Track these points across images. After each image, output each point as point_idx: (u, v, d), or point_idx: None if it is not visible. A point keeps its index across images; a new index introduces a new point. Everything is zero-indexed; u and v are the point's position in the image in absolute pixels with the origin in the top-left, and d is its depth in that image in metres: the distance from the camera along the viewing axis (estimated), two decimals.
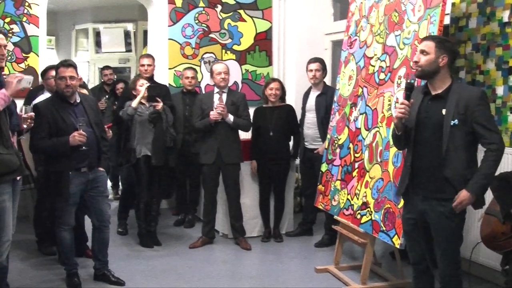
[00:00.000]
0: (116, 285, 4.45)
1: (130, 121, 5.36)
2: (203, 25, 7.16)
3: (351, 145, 4.86)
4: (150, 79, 5.79)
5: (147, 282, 4.56)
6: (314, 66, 5.67)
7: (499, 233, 3.53)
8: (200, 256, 5.27)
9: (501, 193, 3.52)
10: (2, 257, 3.62)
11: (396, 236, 4.05)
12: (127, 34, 10.62)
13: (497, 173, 3.81)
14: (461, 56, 4.80)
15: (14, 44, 6.29)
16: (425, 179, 3.36)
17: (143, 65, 5.94)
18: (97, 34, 10.79)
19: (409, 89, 3.41)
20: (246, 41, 7.41)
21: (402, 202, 3.85)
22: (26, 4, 6.36)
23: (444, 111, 3.26)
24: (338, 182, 4.97)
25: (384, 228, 4.21)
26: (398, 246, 4.05)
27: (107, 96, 7.18)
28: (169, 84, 6.95)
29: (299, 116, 5.92)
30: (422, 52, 3.35)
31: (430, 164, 3.33)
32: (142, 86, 5.35)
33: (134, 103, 5.28)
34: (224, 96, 5.52)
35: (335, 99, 5.32)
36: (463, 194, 3.19)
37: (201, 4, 7.14)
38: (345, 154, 4.92)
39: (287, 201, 6.00)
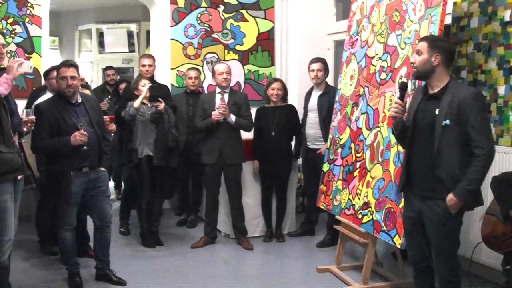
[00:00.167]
0: (118, 285, 4.46)
1: (132, 122, 5.37)
2: (205, 25, 7.17)
3: (352, 145, 4.85)
4: (151, 79, 5.80)
5: (149, 282, 4.56)
6: (316, 66, 5.67)
7: (499, 233, 3.52)
8: (202, 256, 5.28)
9: (502, 194, 3.51)
10: (4, 257, 3.62)
11: (397, 236, 4.05)
12: (130, 35, 10.63)
13: (498, 173, 3.84)
14: (462, 55, 4.80)
15: (17, 44, 6.31)
16: (420, 178, 3.38)
17: (144, 66, 5.95)
18: (100, 35, 10.81)
19: (403, 89, 3.45)
20: (249, 41, 7.41)
21: (403, 202, 3.86)
22: (29, 4, 6.37)
23: (437, 111, 3.27)
24: (339, 182, 4.97)
25: (385, 228, 4.20)
26: (399, 246, 4.04)
27: (109, 97, 7.19)
28: (172, 84, 6.97)
29: (301, 116, 5.92)
30: (417, 53, 3.38)
31: (424, 164, 3.35)
32: (144, 87, 5.37)
33: (136, 104, 5.30)
34: (226, 96, 5.53)
35: (336, 99, 5.32)
36: (450, 198, 3.20)
37: (203, 4, 7.15)
38: (347, 154, 4.92)
39: (289, 201, 6.00)
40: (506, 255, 3.59)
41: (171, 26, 7.04)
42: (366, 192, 4.53)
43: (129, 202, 6.06)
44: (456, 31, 4.87)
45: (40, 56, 6.48)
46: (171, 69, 7.05)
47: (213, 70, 5.64)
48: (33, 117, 3.97)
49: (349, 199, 4.77)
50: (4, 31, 6.21)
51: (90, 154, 4.26)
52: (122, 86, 7.02)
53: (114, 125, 4.97)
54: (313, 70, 5.68)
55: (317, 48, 7.19)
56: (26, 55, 6.32)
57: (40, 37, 6.49)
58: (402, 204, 3.93)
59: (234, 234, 5.75)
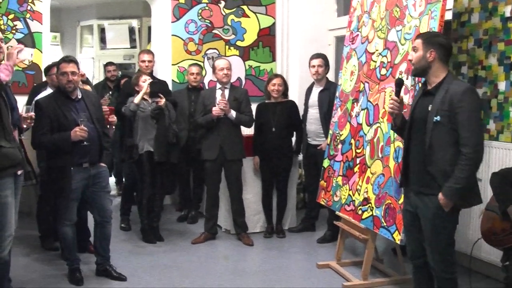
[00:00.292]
0: (118, 280, 4.47)
1: (132, 117, 5.37)
2: (206, 21, 7.16)
3: (352, 141, 4.85)
4: (150, 75, 5.81)
5: (149, 278, 4.57)
6: (316, 62, 5.67)
7: (499, 229, 3.52)
8: (203, 252, 5.29)
9: (500, 190, 3.51)
10: (4, 252, 3.64)
11: (396, 231, 4.05)
12: (131, 31, 10.62)
13: (498, 169, 3.83)
14: (463, 51, 4.79)
15: (18, 40, 6.28)
16: (416, 173, 3.40)
17: (143, 61, 5.97)
18: (102, 31, 10.80)
19: (399, 85, 3.48)
20: (250, 37, 7.40)
21: (402, 198, 3.87)
22: (30, 0, 6.36)
23: (430, 107, 3.28)
24: (339, 178, 4.97)
25: (385, 224, 4.20)
26: (398, 242, 4.05)
27: (110, 93, 7.19)
28: (172, 80, 6.97)
29: (301, 112, 5.91)
30: (413, 49, 3.39)
31: (418, 159, 3.36)
32: (145, 82, 5.37)
33: (137, 99, 5.30)
34: (227, 92, 5.53)
35: (337, 94, 5.31)
36: (440, 196, 3.21)
37: (204, 0, 7.14)
38: (347, 150, 4.92)
39: (290, 197, 6.01)
40: (505, 251, 3.58)
41: (172, 22, 7.03)
42: (366, 188, 4.53)
43: (129, 198, 6.08)
44: (457, 26, 4.86)
45: (41, 52, 6.48)
46: (172, 65, 7.04)
47: (213, 66, 5.63)
48: (32, 113, 3.98)
49: (349, 195, 4.77)
50: (5, 27, 6.22)
51: (90, 150, 4.27)
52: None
53: (115, 117, 4.99)
54: (313, 66, 5.67)
55: (318, 44, 7.18)
56: (28, 60, 6.30)
57: (41, 33, 6.49)
58: (401, 200, 3.95)
59: (234, 230, 5.76)
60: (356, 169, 4.74)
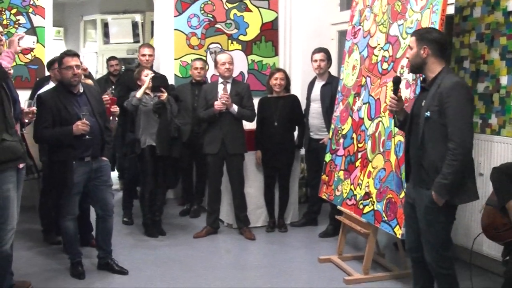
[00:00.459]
0: (120, 274, 4.48)
1: (134, 112, 5.38)
2: (209, 15, 7.15)
3: (354, 135, 4.85)
4: (150, 69, 5.81)
5: (151, 271, 4.59)
6: (318, 56, 5.66)
7: (499, 224, 3.51)
8: (205, 246, 5.30)
9: (500, 185, 3.50)
10: (6, 246, 3.66)
11: (397, 226, 4.05)
12: (135, 25, 10.62)
13: (499, 164, 3.82)
14: (465, 45, 4.78)
15: None
16: (414, 167, 3.44)
17: (144, 55, 5.97)
18: (105, 25, 10.81)
19: (396, 83, 3.51)
20: (252, 31, 7.39)
21: (403, 192, 3.88)
22: None
23: (423, 102, 3.29)
24: (341, 172, 4.97)
25: (386, 218, 4.21)
26: (399, 236, 4.05)
27: (113, 87, 7.18)
28: (175, 74, 6.98)
29: (304, 106, 5.91)
30: (409, 47, 3.42)
31: (415, 154, 3.40)
32: (147, 77, 5.37)
33: (139, 94, 5.30)
34: (229, 86, 5.52)
35: (339, 89, 5.31)
36: (432, 192, 3.23)
37: None
38: (349, 144, 4.92)
39: (292, 191, 6.01)
40: (506, 246, 3.58)
41: (174, 16, 7.03)
42: (368, 182, 4.53)
43: (131, 192, 6.10)
44: (459, 21, 4.85)
45: (44, 47, 6.50)
46: (175, 59, 7.04)
47: (215, 61, 5.63)
48: (34, 108, 4.01)
49: (350, 189, 4.77)
50: (8, 21, 6.23)
51: (92, 144, 4.28)
52: None
53: (117, 107, 5.00)
54: (316, 60, 5.67)
55: (321, 38, 7.17)
56: (30, 48, 6.30)
57: (44, 27, 6.51)
58: (402, 194, 3.96)
59: (236, 224, 5.76)
60: (357, 163, 4.74)
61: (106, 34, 10.86)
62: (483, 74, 4.58)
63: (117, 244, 5.00)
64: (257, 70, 7.42)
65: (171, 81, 6.67)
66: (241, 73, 7.28)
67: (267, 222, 5.93)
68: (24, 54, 6.36)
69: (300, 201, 6.45)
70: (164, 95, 5.31)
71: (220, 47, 7.19)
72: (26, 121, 3.99)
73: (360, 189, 4.61)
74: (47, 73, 5.68)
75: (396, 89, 3.50)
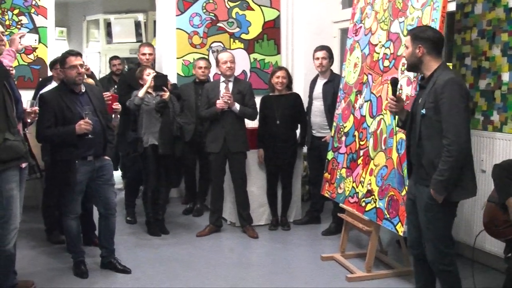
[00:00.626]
0: (123, 273, 4.49)
1: (137, 111, 5.39)
2: (211, 14, 7.16)
3: (356, 133, 4.85)
4: (152, 68, 5.82)
5: (154, 270, 4.60)
6: (320, 54, 5.66)
7: (501, 220, 3.51)
8: (207, 245, 5.31)
9: (500, 182, 3.50)
10: (9, 245, 3.67)
11: (399, 223, 4.05)
12: (137, 25, 10.64)
13: (501, 161, 3.82)
14: (466, 42, 4.77)
15: None
16: (414, 165, 3.46)
17: (144, 54, 5.98)
18: (108, 25, 10.84)
19: (394, 84, 3.53)
20: (254, 30, 7.39)
21: (405, 190, 3.88)
22: None
23: (420, 100, 3.30)
24: (343, 170, 4.97)
25: (388, 216, 4.21)
26: (401, 234, 4.05)
27: (116, 86, 7.21)
28: (177, 73, 6.99)
29: (306, 104, 5.91)
30: (405, 46, 3.44)
31: (414, 152, 3.42)
32: (149, 76, 5.38)
33: (141, 93, 5.31)
34: (230, 85, 5.53)
35: (341, 86, 5.31)
36: (429, 189, 3.24)
37: None
38: (351, 142, 4.92)
39: (295, 189, 6.01)
40: (508, 243, 3.58)
41: (176, 16, 7.04)
42: (370, 180, 4.53)
43: (133, 191, 6.12)
44: (460, 17, 4.83)
45: (46, 47, 6.52)
46: (177, 58, 7.05)
47: (217, 59, 5.64)
48: (36, 108, 4.02)
49: (353, 187, 4.77)
50: (10, 22, 6.25)
51: (94, 143, 4.29)
52: None
53: (119, 105, 5.01)
54: (317, 58, 5.66)
55: (323, 36, 7.16)
56: (32, 46, 6.33)
57: (46, 27, 6.53)
58: (404, 192, 3.95)
59: (239, 223, 5.77)
60: (359, 161, 4.74)
61: (109, 34, 10.89)
62: (485, 70, 4.57)
63: (120, 243, 5.01)
64: (259, 69, 7.43)
65: (173, 80, 6.69)
66: (244, 72, 7.29)
67: (270, 220, 5.93)
68: (27, 54, 6.39)
69: (303, 199, 6.45)
70: (166, 94, 5.32)
71: (222, 45, 7.19)
72: (29, 120, 4.00)
73: (362, 186, 4.61)
74: (49, 73, 5.70)
75: (394, 90, 3.51)
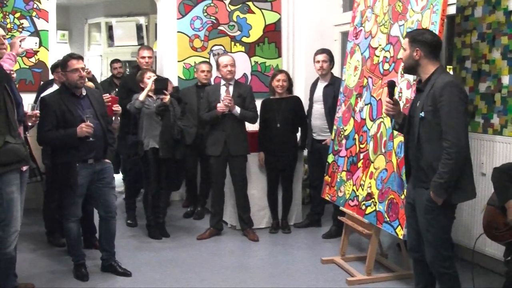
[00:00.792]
0: (123, 276, 4.50)
1: (137, 114, 5.40)
2: (211, 17, 7.17)
3: (356, 136, 4.85)
4: (152, 71, 5.82)
5: (154, 273, 4.60)
6: (321, 57, 5.67)
7: (500, 224, 3.51)
8: (208, 248, 5.31)
9: (500, 185, 3.50)
10: (10, 247, 3.68)
11: (399, 227, 4.05)
12: (139, 28, 10.65)
13: (500, 164, 3.82)
14: (466, 45, 4.77)
15: None
16: (413, 168, 3.46)
17: (143, 57, 5.97)
18: (110, 28, 10.85)
19: (391, 87, 3.53)
20: (255, 33, 7.41)
21: (405, 192, 3.88)
22: None
23: (418, 103, 3.30)
24: (344, 173, 4.98)
25: (388, 219, 4.21)
26: (401, 237, 4.06)
27: (116, 90, 7.22)
28: (178, 76, 7.00)
29: (306, 107, 5.92)
30: (403, 48, 3.45)
31: (412, 155, 3.42)
32: (150, 79, 5.39)
33: (142, 96, 5.32)
34: (231, 88, 5.54)
35: (341, 89, 5.31)
36: (430, 191, 3.24)
37: None
38: (351, 145, 4.92)
39: (295, 193, 6.02)
40: (507, 246, 3.58)
41: (177, 19, 7.06)
42: (370, 183, 4.53)
43: (132, 193, 6.13)
44: (461, 20, 4.84)
45: (48, 50, 6.53)
46: (178, 61, 7.07)
47: (217, 63, 5.64)
48: (37, 111, 4.03)
49: (353, 190, 4.77)
50: (12, 25, 6.27)
51: (95, 146, 4.30)
52: None
53: (120, 107, 5.02)
54: (318, 61, 5.68)
55: (324, 39, 7.18)
56: (34, 50, 6.36)
57: (47, 31, 6.55)
58: (404, 195, 3.95)
59: (240, 226, 5.77)
60: (359, 164, 4.74)
61: (110, 37, 10.90)
62: (485, 74, 4.57)
63: (121, 246, 5.02)
64: (260, 72, 7.44)
65: (174, 83, 6.70)
66: (244, 75, 7.31)
67: (270, 224, 5.93)
68: (28, 57, 6.41)
69: (304, 202, 6.45)
70: (167, 98, 5.33)
71: (223, 49, 7.20)
72: (30, 124, 4.02)
73: (362, 190, 4.62)
74: (51, 76, 5.71)
75: (391, 93, 3.52)
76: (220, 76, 5.62)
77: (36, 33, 6.41)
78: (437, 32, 3.81)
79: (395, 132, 4.21)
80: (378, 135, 4.50)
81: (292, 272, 4.70)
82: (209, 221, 5.73)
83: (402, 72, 4.26)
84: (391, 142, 4.29)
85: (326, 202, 5.56)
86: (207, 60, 6.88)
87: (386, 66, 4.55)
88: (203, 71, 6.26)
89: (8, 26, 6.26)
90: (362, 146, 4.74)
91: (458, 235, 4.70)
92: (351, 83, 5.12)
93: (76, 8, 10.86)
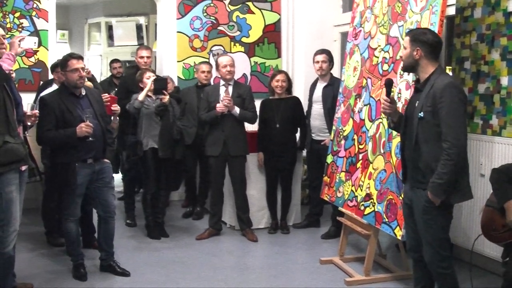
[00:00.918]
0: (122, 276, 4.50)
1: (136, 114, 5.40)
2: (211, 17, 7.18)
3: (355, 137, 4.85)
4: (152, 71, 5.82)
5: (153, 273, 4.60)
6: (320, 57, 5.67)
7: (499, 225, 3.51)
8: (207, 248, 5.31)
9: (498, 186, 3.50)
10: (9, 247, 3.68)
11: (398, 227, 4.06)
12: (139, 28, 10.67)
13: (499, 165, 3.82)
14: (466, 46, 4.77)
15: None
16: (410, 168, 3.46)
17: (142, 57, 5.97)
18: (110, 28, 10.86)
19: (388, 85, 3.55)
20: (255, 33, 7.41)
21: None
22: None
23: (417, 103, 3.30)
24: (342, 174, 4.98)
25: (386, 220, 4.21)
26: (399, 238, 4.06)
27: (116, 90, 7.22)
28: (178, 76, 7.00)
29: (306, 108, 5.92)
30: (403, 47, 3.45)
31: (409, 155, 3.42)
32: (149, 79, 5.39)
33: (141, 96, 5.32)
34: (230, 88, 5.54)
35: (340, 90, 5.32)
36: (428, 192, 3.25)
37: None
38: (350, 146, 4.93)
39: (294, 193, 6.02)
40: (506, 247, 3.57)
41: (177, 19, 7.06)
42: (368, 183, 4.53)
43: (131, 192, 6.13)
44: (460, 21, 4.84)
45: (47, 50, 6.54)
46: (178, 61, 7.08)
47: (216, 63, 5.64)
48: (36, 111, 4.03)
49: (352, 190, 4.77)
50: (11, 25, 6.28)
51: (95, 146, 4.30)
52: None
53: (118, 107, 5.02)
54: (317, 62, 5.68)
55: (323, 40, 7.18)
56: (33, 49, 6.35)
57: (47, 30, 6.55)
58: (403, 196, 3.95)
59: (239, 226, 5.77)
60: (358, 164, 4.74)
61: (110, 37, 10.91)
62: (484, 75, 4.57)
63: (120, 246, 5.02)
64: (260, 72, 7.45)
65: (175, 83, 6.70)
66: (244, 75, 7.31)
67: (269, 224, 5.93)
68: (28, 57, 6.42)
69: (303, 202, 6.45)
70: (166, 98, 5.33)
71: (223, 49, 7.21)
72: (29, 124, 4.02)
73: (361, 190, 4.62)
74: (50, 76, 5.71)
75: (388, 91, 3.52)
76: (220, 76, 5.62)
77: (36, 32, 6.41)
78: None
79: (394, 133, 4.21)
80: (377, 135, 4.50)
81: (291, 273, 4.70)
82: (208, 221, 5.74)
83: (401, 71, 4.27)
84: (390, 143, 4.30)
85: (325, 202, 5.56)
86: (207, 60, 6.89)
87: (385, 66, 4.55)
88: (203, 72, 6.26)
89: (8, 25, 6.26)
90: (361, 146, 4.75)
91: (457, 236, 4.70)
92: (350, 84, 5.12)
93: (76, 7, 10.87)
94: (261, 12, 7.41)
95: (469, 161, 4.42)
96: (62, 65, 4.35)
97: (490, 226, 3.58)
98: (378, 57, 4.69)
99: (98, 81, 6.98)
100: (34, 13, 6.44)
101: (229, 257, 5.13)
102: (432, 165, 3.23)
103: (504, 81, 4.38)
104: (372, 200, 4.44)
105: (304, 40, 7.42)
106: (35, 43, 3.89)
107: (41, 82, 6.12)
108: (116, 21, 10.72)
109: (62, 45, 10.53)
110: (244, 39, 7.36)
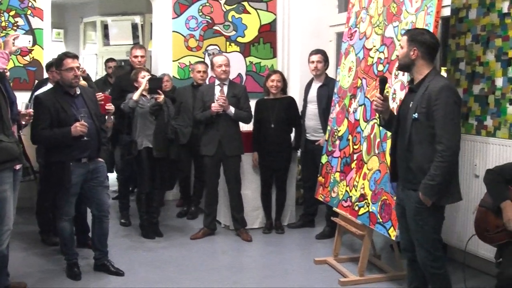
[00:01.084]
0: (116, 275, 4.49)
1: (131, 114, 5.39)
2: (207, 17, 7.17)
3: (350, 137, 4.86)
4: (147, 71, 5.81)
5: (147, 273, 4.60)
6: (315, 57, 5.68)
7: (492, 226, 3.52)
8: (201, 248, 5.30)
9: (493, 187, 3.51)
10: (2, 246, 3.68)
11: (392, 228, 4.06)
12: (134, 27, 10.64)
13: (494, 166, 3.83)
14: (461, 47, 4.78)
15: None
16: (401, 168, 3.46)
17: (136, 57, 5.94)
18: (105, 27, 10.83)
19: (382, 83, 3.53)
20: (250, 33, 7.41)
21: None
22: None
23: (411, 104, 3.30)
24: (337, 174, 4.98)
25: (380, 220, 4.22)
26: (394, 238, 4.06)
27: (111, 89, 7.21)
28: (173, 76, 6.99)
29: (301, 108, 5.92)
30: (400, 46, 3.45)
31: (402, 155, 3.42)
32: (144, 78, 5.38)
33: (136, 96, 5.31)
34: (225, 88, 5.53)
35: (335, 90, 5.32)
36: (419, 193, 3.26)
37: None
38: (344, 146, 4.93)
39: (289, 193, 6.02)
40: (498, 248, 3.58)
41: (172, 18, 7.06)
42: (363, 184, 4.54)
43: (126, 192, 6.12)
44: (455, 22, 4.85)
45: (42, 49, 6.52)
46: (173, 61, 7.07)
47: (211, 63, 5.64)
48: (31, 110, 4.03)
49: (346, 191, 4.78)
50: (6, 23, 6.26)
51: (89, 145, 4.30)
52: None
53: (112, 106, 5.02)
54: (312, 62, 5.68)
55: (319, 40, 7.18)
56: (28, 48, 6.34)
57: (42, 29, 6.53)
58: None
59: (233, 226, 5.77)
60: (353, 165, 4.75)
61: (106, 36, 10.88)
62: (479, 75, 4.58)
63: (114, 245, 5.01)
64: (255, 72, 7.44)
65: None
66: (239, 75, 7.30)
67: (264, 224, 5.93)
68: (23, 55, 6.39)
69: (297, 202, 6.45)
70: (161, 97, 5.32)
71: (218, 49, 7.20)
72: (23, 123, 4.00)
73: (356, 190, 4.63)
74: (45, 75, 5.70)
75: (382, 89, 3.52)
76: (215, 76, 5.62)
77: (31, 31, 6.39)
78: None
79: (389, 133, 4.21)
80: (372, 136, 4.51)
81: (285, 273, 4.70)
82: (202, 221, 5.73)
83: (396, 74, 4.28)
84: (384, 143, 4.30)
85: (320, 202, 5.56)
86: (203, 60, 6.89)
87: (380, 67, 4.56)
88: (199, 71, 6.26)
89: (3, 24, 6.24)
90: (355, 147, 4.75)
91: (450, 236, 4.71)
92: (345, 84, 5.13)
93: (72, 6, 10.84)
94: (257, 12, 7.42)
95: (464, 162, 4.50)
96: (57, 64, 4.34)
97: (483, 227, 3.59)
98: (373, 58, 4.70)
99: (93, 80, 6.97)
100: (29, 12, 6.42)
101: (224, 257, 5.13)
102: (424, 166, 3.23)
103: (499, 82, 4.39)
104: (366, 201, 4.44)
105: (299, 40, 7.43)
106: (29, 41, 3.89)
107: (36, 81, 6.10)
108: (111, 20, 10.69)
109: (57, 44, 10.50)
110: (239, 39, 7.35)
